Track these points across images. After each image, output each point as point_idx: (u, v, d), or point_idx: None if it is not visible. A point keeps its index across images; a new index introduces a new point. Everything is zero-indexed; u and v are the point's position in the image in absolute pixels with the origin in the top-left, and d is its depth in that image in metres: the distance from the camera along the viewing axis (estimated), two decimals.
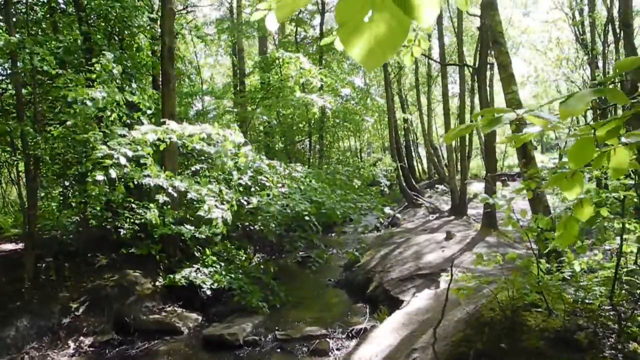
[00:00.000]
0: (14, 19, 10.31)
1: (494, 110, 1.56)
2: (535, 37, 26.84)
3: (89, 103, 8.18)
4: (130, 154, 7.51)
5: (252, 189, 9.83)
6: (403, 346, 5.52)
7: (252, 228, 11.60)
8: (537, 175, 5.01)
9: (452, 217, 15.31)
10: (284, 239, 13.53)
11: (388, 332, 6.19)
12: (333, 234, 16.45)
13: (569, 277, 4.51)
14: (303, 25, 23.61)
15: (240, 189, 9.88)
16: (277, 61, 17.10)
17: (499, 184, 14.71)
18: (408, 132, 30.77)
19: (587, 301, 4.27)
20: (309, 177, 10.89)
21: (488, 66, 14.96)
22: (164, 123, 7.72)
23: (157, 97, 11.33)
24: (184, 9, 15.19)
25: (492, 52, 12.60)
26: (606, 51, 15.59)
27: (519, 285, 4.51)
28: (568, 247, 4.41)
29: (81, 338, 8.14)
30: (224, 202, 8.75)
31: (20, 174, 10.18)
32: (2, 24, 9.94)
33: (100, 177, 7.57)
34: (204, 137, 7.96)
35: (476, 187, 20.80)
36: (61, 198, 11.72)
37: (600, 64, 15.99)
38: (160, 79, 11.99)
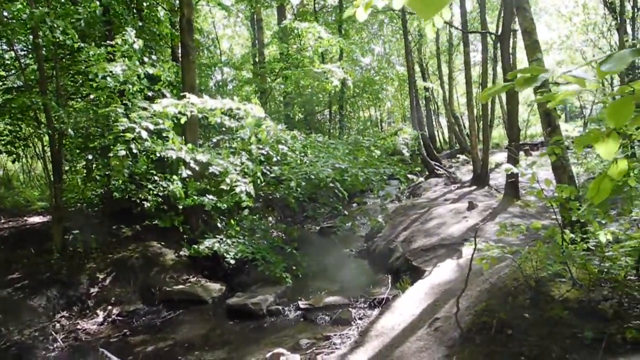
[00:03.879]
0: None
1: (531, 70, 1.53)
2: (560, 1, 26.13)
3: (109, 79, 8.22)
4: (151, 127, 7.55)
5: (274, 159, 9.83)
6: (425, 315, 5.55)
7: (273, 197, 11.65)
8: (561, 142, 4.94)
9: (474, 187, 15.20)
10: (307, 208, 13.57)
11: (410, 301, 6.22)
12: (354, 205, 16.47)
13: (594, 248, 4.47)
14: None
15: (262, 158, 9.90)
16: (295, 31, 16.93)
17: (521, 153, 14.53)
18: (429, 101, 30.42)
19: (612, 272, 4.24)
20: (330, 147, 10.84)
21: (511, 33, 14.60)
22: (184, 96, 7.73)
23: (177, 69, 11.32)
24: None
25: (516, 19, 12.33)
26: (636, 15, 15.10)
27: (542, 256, 4.48)
28: (593, 217, 4.37)
29: (109, 307, 8.35)
30: (246, 175, 8.78)
31: (45, 148, 10.31)
32: None
33: (122, 151, 7.65)
34: (225, 111, 7.94)
35: (498, 157, 20.59)
36: (85, 171, 11.89)
37: (629, 29, 15.50)
38: (180, 51, 11.96)
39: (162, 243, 10.13)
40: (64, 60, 10.61)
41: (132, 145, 7.51)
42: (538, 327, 4.07)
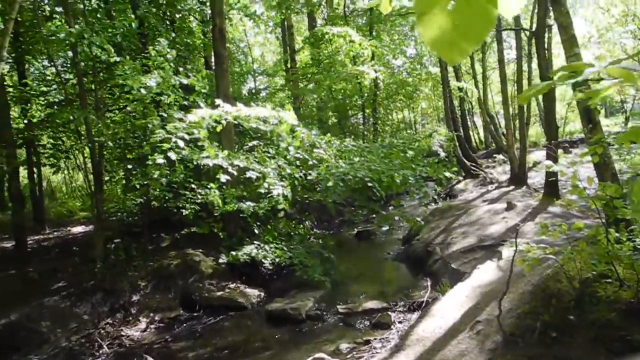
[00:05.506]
0: (71, 11, 10.62)
1: (573, 67, 1.48)
2: None
3: (143, 91, 8.40)
4: (187, 137, 7.66)
5: (310, 163, 9.85)
6: (467, 318, 5.47)
7: (309, 202, 11.66)
8: (603, 140, 4.81)
9: (512, 187, 14.94)
10: (343, 212, 13.52)
11: (451, 304, 6.15)
12: (390, 207, 16.37)
13: None
14: None
15: (297, 162, 9.93)
16: (326, 36, 16.98)
17: (560, 151, 14.20)
18: (463, 101, 30.00)
19: None
20: (365, 151, 10.81)
21: (546, 28, 14.31)
22: (218, 106, 7.82)
23: (210, 77, 11.49)
24: None
25: (551, 14, 12.08)
26: None
27: (586, 256, 4.38)
28: None
29: (151, 314, 8.49)
30: (283, 179, 8.82)
31: (86, 159, 10.58)
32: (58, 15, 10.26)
33: (160, 160, 7.79)
34: (260, 118, 8.00)
35: (535, 156, 20.17)
36: (124, 181, 12.15)
37: None
38: (213, 60, 12.13)
39: (201, 250, 10.25)
40: (101, 74, 10.90)
41: (170, 154, 7.64)
42: (584, 330, 3.97)
